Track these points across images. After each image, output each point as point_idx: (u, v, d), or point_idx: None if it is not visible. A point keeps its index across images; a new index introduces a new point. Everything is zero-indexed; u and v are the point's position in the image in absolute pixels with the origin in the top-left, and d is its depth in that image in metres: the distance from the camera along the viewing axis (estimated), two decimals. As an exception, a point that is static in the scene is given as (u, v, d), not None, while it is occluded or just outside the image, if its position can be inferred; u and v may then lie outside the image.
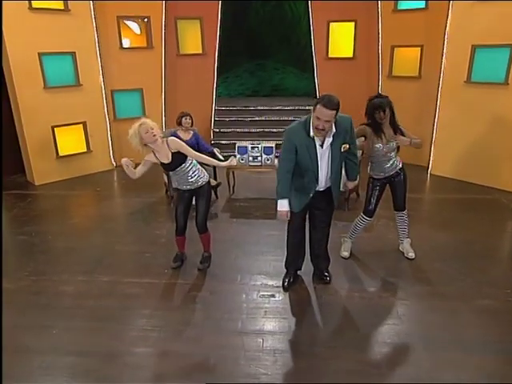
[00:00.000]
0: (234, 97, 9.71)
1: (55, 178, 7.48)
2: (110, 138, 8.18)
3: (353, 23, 8.48)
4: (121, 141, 8.32)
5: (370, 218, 4.47)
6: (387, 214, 5.11)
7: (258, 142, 6.46)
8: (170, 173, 4.27)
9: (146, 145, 3.90)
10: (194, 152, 4.13)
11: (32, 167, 7.28)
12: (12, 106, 7.11)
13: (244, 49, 11.83)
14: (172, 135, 6.37)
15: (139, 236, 5.44)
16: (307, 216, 4.01)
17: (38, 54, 6.93)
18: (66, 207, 6.57)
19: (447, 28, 6.90)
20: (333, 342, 3.41)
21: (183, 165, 4.07)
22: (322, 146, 3.50)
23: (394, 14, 7.77)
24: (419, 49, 7.62)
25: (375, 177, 4.31)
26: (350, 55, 8.70)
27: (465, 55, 6.74)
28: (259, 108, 10.05)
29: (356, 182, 4.03)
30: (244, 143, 6.45)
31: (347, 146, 3.55)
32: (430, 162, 7.64)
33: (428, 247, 4.91)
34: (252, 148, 6.33)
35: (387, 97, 4.00)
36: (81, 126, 7.72)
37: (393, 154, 4.21)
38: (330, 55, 8.84)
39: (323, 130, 3.32)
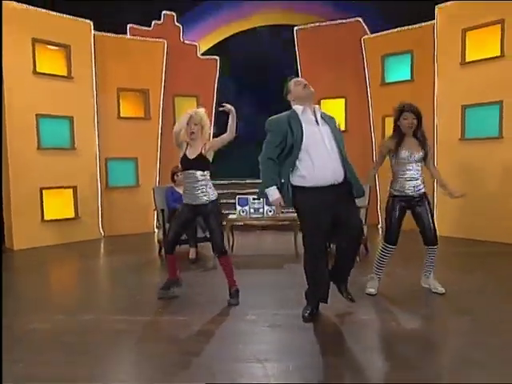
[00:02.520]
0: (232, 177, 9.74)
1: (37, 244, 6.89)
2: (100, 206, 7.82)
3: (343, 99, 8.91)
4: (111, 209, 7.99)
5: (393, 245, 4.03)
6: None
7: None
8: (185, 175, 3.99)
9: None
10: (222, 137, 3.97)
11: (13, 230, 6.73)
12: (2, 163, 6.83)
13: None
14: (170, 190, 6.16)
15: (129, 283, 4.80)
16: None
17: (36, 115, 6.92)
18: (45, 268, 5.91)
19: (435, 92, 7.27)
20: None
21: (198, 172, 3.91)
22: (316, 122, 3.35)
23: (381, 87, 8.23)
24: (410, 117, 7.92)
25: (395, 193, 3.99)
26: (343, 128, 8.98)
27: (456, 115, 6.99)
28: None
29: (364, 197, 3.50)
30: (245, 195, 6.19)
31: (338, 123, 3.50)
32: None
33: (456, 286, 4.41)
34: (253, 199, 6.04)
35: (418, 109, 3.90)
36: (71, 190, 7.41)
37: (417, 172, 3.94)
38: (322, 130, 9.09)
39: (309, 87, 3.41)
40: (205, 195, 3.91)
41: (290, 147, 3.29)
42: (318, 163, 3.24)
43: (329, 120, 3.46)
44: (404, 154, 3.89)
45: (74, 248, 6.95)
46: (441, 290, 4.08)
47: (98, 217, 7.79)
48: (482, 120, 6.73)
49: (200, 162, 3.92)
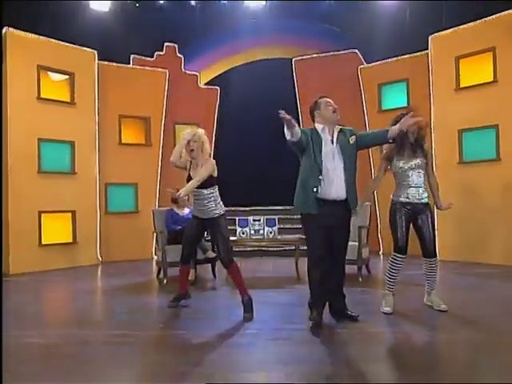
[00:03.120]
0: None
1: (33, 268, 6.75)
2: (98, 231, 7.75)
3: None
4: (110, 235, 7.91)
5: (403, 254, 3.92)
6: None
7: (259, 218, 6.17)
8: (193, 194, 4.07)
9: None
10: (197, 180, 3.92)
11: (10, 253, 6.62)
12: (2, 186, 6.81)
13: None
14: (170, 213, 6.14)
15: (127, 302, 4.68)
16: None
17: (38, 139, 6.98)
18: (42, 289, 5.77)
19: (432, 118, 7.40)
20: None
21: (204, 190, 3.98)
22: (332, 141, 3.56)
23: (379, 114, 8.38)
24: (407, 142, 8.03)
25: (398, 199, 3.95)
26: (341, 155, 9.08)
27: (453, 139, 7.09)
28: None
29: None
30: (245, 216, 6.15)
31: (354, 137, 3.62)
32: (437, 248, 7.31)
33: (459, 302, 4.32)
34: (254, 221, 6.01)
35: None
36: (69, 214, 7.36)
37: (419, 179, 3.92)
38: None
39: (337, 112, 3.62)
40: (213, 210, 3.99)
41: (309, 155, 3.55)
42: (328, 179, 3.50)
43: (343, 136, 3.62)
44: (402, 162, 3.91)
45: (72, 273, 6.81)
46: (443, 307, 3.95)
47: (96, 242, 7.70)
48: (479, 143, 6.82)
49: (206, 181, 3.96)
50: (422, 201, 3.93)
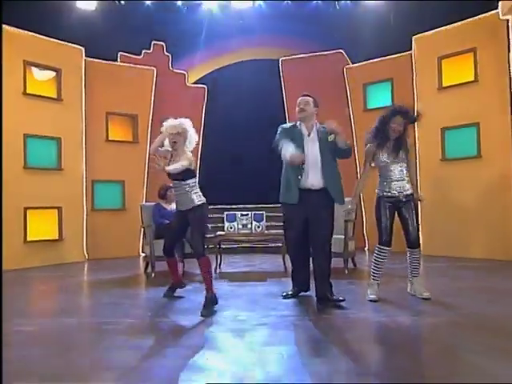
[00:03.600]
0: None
1: (18, 265, 6.66)
2: (85, 228, 7.71)
3: (327, 126, 9.17)
4: (96, 232, 7.87)
5: (387, 247, 4.03)
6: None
7: (247, 212, 6.22)
8: (173, 185, 4.10)
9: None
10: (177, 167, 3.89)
11: (-6, 250, 6.56)
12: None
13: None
14: (157, 207, 6.15)
15: (115, 293, 4.68)
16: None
17: (24, 135, 6.93)
18: (28, 283, 5.72)
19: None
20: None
21: (183, 181, 3.97)
22: (308, 135, 3.94)
23: (364, 112, 8.54)
24: (392, 140, 8.19)
25: (382, 193, 4.06)
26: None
27: (436, 137, 7.27)
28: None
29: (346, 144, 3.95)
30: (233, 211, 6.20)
31: (333, 136, 3.87)
32: (421, 244, 7.47)
33: (442, 290, 4.44)
34: (242, 215, 6.06)
35: (406, 110, 4.02)
36: (55, 211, 7.31)
37: (401, 172, 4.02)
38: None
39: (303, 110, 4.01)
40: (191, 202, 3.96)
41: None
42: (305, 169, 3.86)
43: (324, 134, 3.97)
44: (384, 157, 4.01)
45: (58, 269, 6.75)
46: (426, 295, 4.05)
47: (82, 239, 7.67)
48: (461, 141, 7.00)
49: (183, 173, 3.93)
50: (405, 193, 4.02)
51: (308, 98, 4.14)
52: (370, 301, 3.98)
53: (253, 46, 11.83)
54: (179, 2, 11.12)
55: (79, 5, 9.65)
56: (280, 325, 3.32)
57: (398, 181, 4.02)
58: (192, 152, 4.11)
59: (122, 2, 10.71)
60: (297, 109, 4.10)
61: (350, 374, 2.40)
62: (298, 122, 4.07)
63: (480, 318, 3.42)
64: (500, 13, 6.03)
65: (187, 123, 4.14)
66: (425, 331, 3.24)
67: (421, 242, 7.44)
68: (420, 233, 7.50)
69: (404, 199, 4.02)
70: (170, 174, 3.98)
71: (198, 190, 4.08)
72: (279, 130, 4.08)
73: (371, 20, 9.52)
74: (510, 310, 3.69)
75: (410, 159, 4.15)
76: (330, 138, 3.89)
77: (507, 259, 6.24)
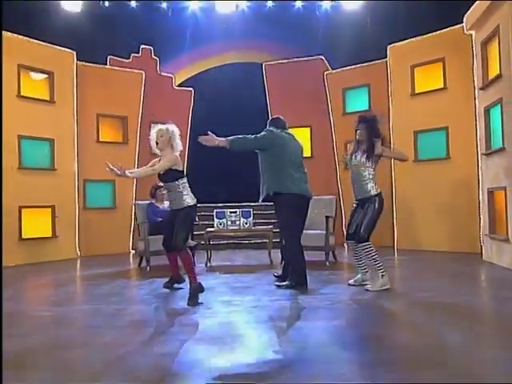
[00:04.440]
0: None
1: (14, 262, 6.92)
2: (77, 226, 8.00)
3: (308, 128, 9.68)
4: (88, 229, 8.17)
5: (347, 240, 4.55)
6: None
7: (235, 210, 6.66)
8: (164, 186, 4.46)
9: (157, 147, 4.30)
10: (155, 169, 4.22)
11: (-10, 247, 6.79)
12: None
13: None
14: (151, 206, 6.51)
15: (113, 286, 5.05)
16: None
17: (18, 136, 7.18)
18: (23, 278, 6.02)
19: (391, 120, 8.15)
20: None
21: (171, 183, 4.23)
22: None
23: (343, 116, 9.07)
24: (369, 142, 8.75)
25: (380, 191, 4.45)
26: (309, 155, 9.67)
27: (409, 139, 7.84)
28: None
29: None
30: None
31: None
32: (395, 239, 8.09)
33: (415, 277, 4.98)
34: (230, 212, 6.49)
35: (365, 116, 4.51)
36: (49, 209, 7.58)
37: (363, 177, 4.35)
38: (290, 156, 9.78)
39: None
40: (179, 202, 4.22)
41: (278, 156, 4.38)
42: None
43: None
44: (352, 161, 4.49)
45: (53, 265, 7.02)
46: (368, 286, 4.35)
47: (75, 236, 7.95)
48: (432, 143, 7.61)
49: (170, 175, 4.20)
50: (367, 194, 4.35)
51: None
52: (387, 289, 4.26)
53: (236, 50, 12.27)
54: (164, 4, 11.47)
55: (65, 6, 9.81)
56: (269, 307, 3.78)
57: (357, 182, 4.44)
58: (180, 154, 4.34)
59: (106, 4, 10.99)
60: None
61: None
62: (286, 132, 4.65)
63: (446, 296, 3.95)
64: (464, 28, 6.62)
65: (171, 126, 4.43)
66: (397, 309, 3.75)
67: (395, 237, 8.09)
68: (395, 229, 8.15)
69: (366, 200, 4.39)
70: (160, 176, 4.26)
71: (189, 190, 4.30)
72: (269, 134, 4.48)
73: (349, 28, 10.05)
74: (463, 290, 4.25)
75: (387, 153, 4.54)
76: None
77: (472, 251, 6.85)
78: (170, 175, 4.21)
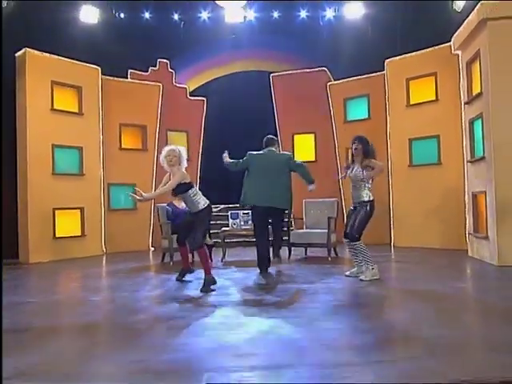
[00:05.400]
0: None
1: (48, 258, 7.76)
2: (103, 226, 8.83)
3: (313, 135, 10.45)
4: (112, 229, 8.99)
5: (344, 238, 5.32)
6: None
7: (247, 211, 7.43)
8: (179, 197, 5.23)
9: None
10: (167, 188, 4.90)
11: (29, 245, 7.62)
12: (19, 186, 7.82)
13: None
14: (171, 206, 7.31)
15: (148, 276, 5.86)
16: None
17: (52, 145, 8.01)
18: (59, 270, 6.85)
19: (388, 128, 8.90)
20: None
21: (184, 194, 4.97)
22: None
23: (344, 124, 9.83)
24: (368, 148, 9.50)
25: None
26: (313, 159, 10.43)
27: (405, 146, 8.60)
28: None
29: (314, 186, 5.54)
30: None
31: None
32: (392, 237, 8.85)
33: (406, 269, 5.76)
34: (243, 214, 7.28)
35: (362, 137, 5.28)
36: (78, 211, 8.41)
37: (359, 185, 5.13)
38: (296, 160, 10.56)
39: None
40: (194, 207, 4.98)
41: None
42: None
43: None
44: (349, 173, 5.28)
45: (83, 261, 7.83)
46: (362, 277, 5.10)
47: (101, 235, 8.78)
48: (425, 150, 8.35)
49: (181, 188, 4.92)
50: (360, 199, 5.14)
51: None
52: (377, 279, 5.05)
53: (244, 59, 13.06)
54: (176, 16, 12.26)
55: (82, 18, 10.44)
56: (283, 293, 4.57)
57: (354, 191, 5.24)
58: (186, 170, 5.07)
59: (122, 15, 11.80)
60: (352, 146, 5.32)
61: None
62: (267, 150, 5.58)
63: (429, 285, 4.72)
64: (452, 48, 7.35)
65: (180, 148, 5.11)
66: (387, 295, 4.52)
67: (392, 235, 8.83)
68: (391, 227, 8.88)
69: (357, 205, 5.22)
70: (173, 190, 4.96)
71: (201, 194, 5.04)
72: (248, 155, 5.48)
73: (351, 41, 10.77)
74: (441, 279, 5.02)
75: (370, 164, 5.16)
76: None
77: (460, 248, 7.58)
78: (181, 188, 4.94)
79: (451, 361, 2.56)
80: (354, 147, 5.24)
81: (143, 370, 2.52)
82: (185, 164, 5.09)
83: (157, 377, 2.43)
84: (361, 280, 5.05)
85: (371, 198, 5.14)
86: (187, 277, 5.49)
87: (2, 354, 2.59)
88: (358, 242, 5.11)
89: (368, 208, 5.09)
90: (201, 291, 4.70)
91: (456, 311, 3.77)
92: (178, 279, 5.43)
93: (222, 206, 10.36)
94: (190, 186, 4.99)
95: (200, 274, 5.15)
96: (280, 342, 2.98)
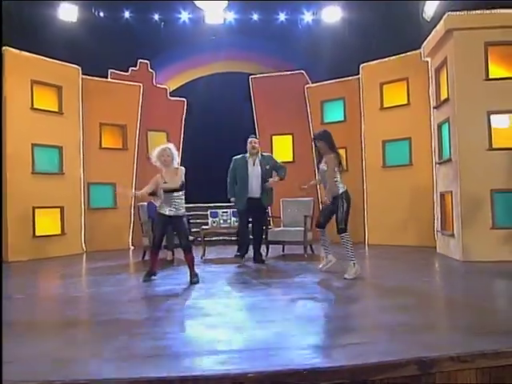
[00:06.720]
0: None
1: (28, 256, 7.77)
2: (83, 224, 8.88)
3: (291, 135, 10.72)
4: (92, 228, 9.05)
5: (317, 227, 5.58)
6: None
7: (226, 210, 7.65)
8: (163, 194, 5.15)
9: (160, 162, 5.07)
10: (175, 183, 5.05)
11: (8, 243, 7.63)
12: (2, 184, 7.82)
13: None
14: (150, 205, 7.43)
15: (126, 274, 6.00)
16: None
17: (31, 144, 8.03)
18: (38, 268, 6.91)
19: (363, 130, 9.26)
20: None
21: (176, 192, 5.08)
22: (253, 164, 6.35)
23: (321, 125, 10.08)
24: (344, 149, 9.79)
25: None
26: (291, 159, 10.70)
27: (378, 148, 8.96)
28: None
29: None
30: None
31: (269, 166, 6.65)
32: (366, 235, 9.20)
33: (385, 265, 6.08)
34: (223, 212, 7.48)
35: (320, 133, 5.53)
36: (58, 210, 8.45)
37: (330, 178, 5.30)
38: (274, 160, 10.82)
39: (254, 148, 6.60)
40: (179, 210, 5.10)
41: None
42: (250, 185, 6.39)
43: (263, 160, 6.65)
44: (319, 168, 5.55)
45: (62, 259, 7.89)
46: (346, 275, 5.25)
47: (81, 234, 8.83)
48: (397, 152, 8.73)
49: (182, 185, 5.09)
50: (332, 195, 5.31)
51: (256, 139, 6.81)
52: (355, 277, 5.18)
53: (224, 60, 13.25)
54: (156, 16, 12.35)
55: (61, 16, 10.45)
56: (255, 287, 4.81)
57: (326, 186, 5.49)
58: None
59: (101, 14, 11.83)
60: (249, 145, 6.60)
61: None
62: (247, 155, 6.60)
63: (406, 278, 5.03)
64: (422, 55, 7.73)
65: (172, 146, 5.27)
66: (365, 286, 4.82)
67: (366, 233, 9.16)
68: (366, 226, 9.24)
69: (332, 199, 5.36)
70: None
71: (184, 201, 5.17)
72: (232, 161, 6.63)
73: (328, 44, 11.14)
74: (407, 275, 5.35)
75: (330, 169, 5.37)
76: (268, 167, 6.64)
77: (430, 245, 7.97)
78: (182, 185, 5.11)
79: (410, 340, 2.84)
80: (317, 146, 5.47)
81: (130, 356, 2.71)
82: (177, 161, 5.24)
83: (144, 360, 2.62)
84: (344, 278, 5.14)
85: (345, 189, 5.34)
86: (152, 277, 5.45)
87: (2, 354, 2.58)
88: (346, 234, 5.25)
89: (344, 198, 5.26)
90: (191, 283, 4.99)
91: (418, 302, 4.07)
92: (145, 280, 5.26)
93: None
94: (184, 186, 5.14)
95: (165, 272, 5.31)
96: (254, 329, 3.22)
